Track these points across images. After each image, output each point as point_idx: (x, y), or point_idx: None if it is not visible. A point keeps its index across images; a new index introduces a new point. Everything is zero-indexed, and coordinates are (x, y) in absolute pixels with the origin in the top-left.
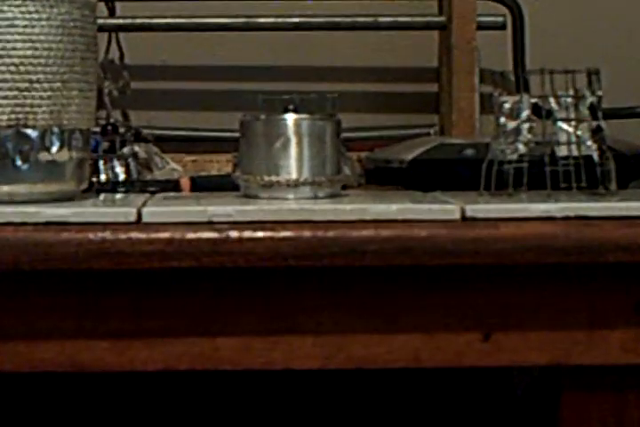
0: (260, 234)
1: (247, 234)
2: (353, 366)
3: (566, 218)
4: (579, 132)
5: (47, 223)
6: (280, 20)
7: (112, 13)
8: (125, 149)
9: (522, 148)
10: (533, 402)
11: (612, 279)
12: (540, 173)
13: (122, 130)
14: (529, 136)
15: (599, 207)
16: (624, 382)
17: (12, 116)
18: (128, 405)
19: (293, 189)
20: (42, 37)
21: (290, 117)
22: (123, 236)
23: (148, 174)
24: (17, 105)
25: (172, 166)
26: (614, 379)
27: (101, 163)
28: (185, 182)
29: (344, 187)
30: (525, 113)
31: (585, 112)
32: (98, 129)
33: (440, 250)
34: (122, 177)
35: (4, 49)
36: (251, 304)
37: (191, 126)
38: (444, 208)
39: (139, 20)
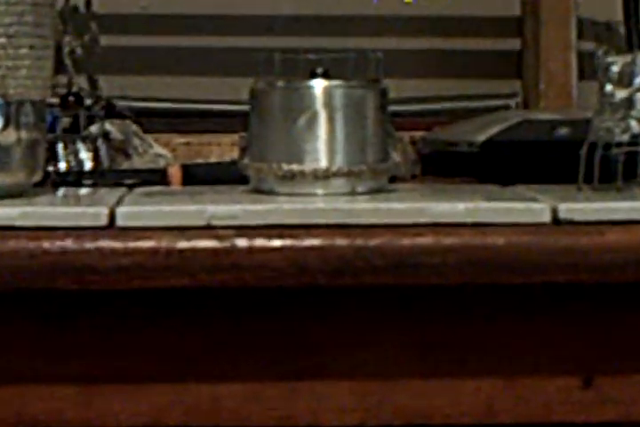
0: (276, 243)
1: (259, 243)
2: (402, 421)
3: None
4: None
5: None
6: None
7: None
8: (93, 128)
9: (636, 126)
10: None
11: None
12: None
13: (88, 101)
14: None
15: None
16: None
17: None
18: None
19: (323, 183)
20: None
21: (318, 84)
22: (90, 245)
23: (124, 162)
24: None
25: (156, 151)
26: None
27: (61, 146)
28: (175, 172)
29: (392, 179)
30: None
31: None
32: (56, 100)
33: (524, 264)
34: (88, 165)
35: None
36: (263, 338)
37: (183, 97)
38: (529, 208)
39: None
